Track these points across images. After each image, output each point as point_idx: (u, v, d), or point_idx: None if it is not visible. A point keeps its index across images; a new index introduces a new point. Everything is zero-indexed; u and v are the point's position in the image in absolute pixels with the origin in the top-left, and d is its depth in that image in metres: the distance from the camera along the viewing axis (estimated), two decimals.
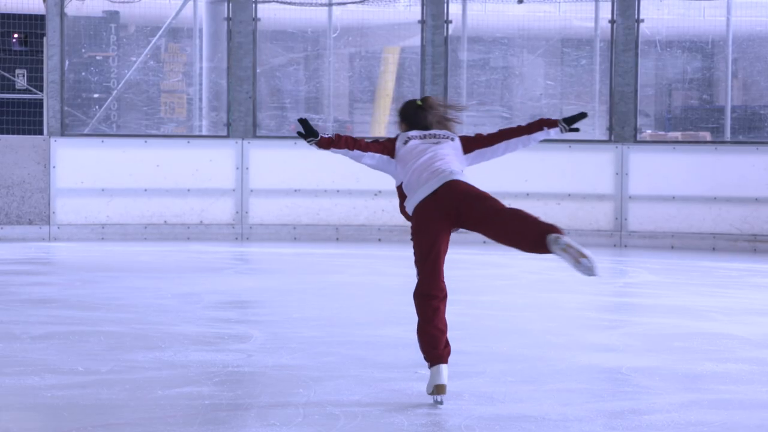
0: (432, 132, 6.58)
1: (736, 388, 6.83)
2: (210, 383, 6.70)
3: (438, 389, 6.26)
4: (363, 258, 13.82)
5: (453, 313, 9.39)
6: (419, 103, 6.68)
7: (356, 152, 6.50)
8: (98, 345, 7.87)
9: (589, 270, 5.85)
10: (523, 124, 6.71)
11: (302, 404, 6.23)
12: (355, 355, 7.65)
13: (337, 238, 15.63)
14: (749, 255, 14.67)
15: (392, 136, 6.68)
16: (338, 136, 6.52)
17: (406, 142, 6.52)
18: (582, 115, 6.52)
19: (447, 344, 6.33)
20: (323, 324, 8.89)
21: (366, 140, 6.60)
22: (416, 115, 6.65)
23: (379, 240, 15.45)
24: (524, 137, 6.61)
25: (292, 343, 8.03)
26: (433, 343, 6.29)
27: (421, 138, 6.53)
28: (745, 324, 9.18)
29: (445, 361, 6.31)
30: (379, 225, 15.53)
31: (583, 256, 5.81)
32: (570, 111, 16.42)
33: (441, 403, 6.23)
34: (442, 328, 6.31)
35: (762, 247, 14.94)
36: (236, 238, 15.56)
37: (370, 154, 6.50)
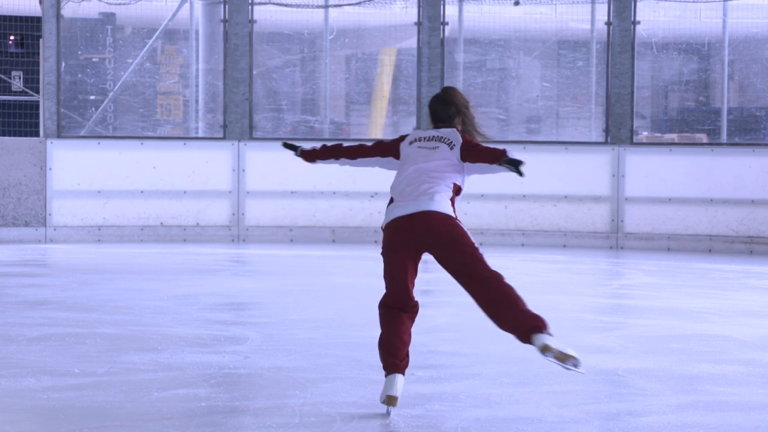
0: (437, 134, 6.26)
1: (732, 389, 6.84)
2: (206, 385, 6.70)
3: (390, 400, 6.07)
4: (359, 260, 13.82)
5: (449, 315, 9.42)
6: (441, 93, 6.41)
7: (344, 160, 6.44)
8: (94, 347, 7.86)
9: (575, 367, 5.76)
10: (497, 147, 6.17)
11: (298, 406, 6.22)
12: (352, 356, 7.65)
13: (334, 240, 15.63)
14: (745, 257, 14.68)
15: (396, 136, 6.53)
16: (324, 147, 6.47)
17: (411, 143, 6.30)
18: (518, 163, 5.94)
19: (407, 356, 6.14)
20: (319, 326, 8.89)
21: (363, 144, 6.48)
22: (433, 105, 6.39)
23: (376, 242, 15.45)
24: (486, 167, 6.15)
25: (288, 344, 8.03)
26: (394, 352, 6.09)
27: (425, 140, 6.26)
28: (742, 326, 9.19)
29: (402, 373, 6.11)
30: (375, 227, 15.52)
31: (568, 357, 5.74)
32: (566, 113, 16.43)
33: (389, 414, 6.07)
34: (406, 341, 6.13)
35: (758, 248, 14.95)
36: (233, 240, 15.56)
37: (361, 160, 6.42)
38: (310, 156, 6.51)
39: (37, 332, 8.37)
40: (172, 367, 7.21)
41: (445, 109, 6.35)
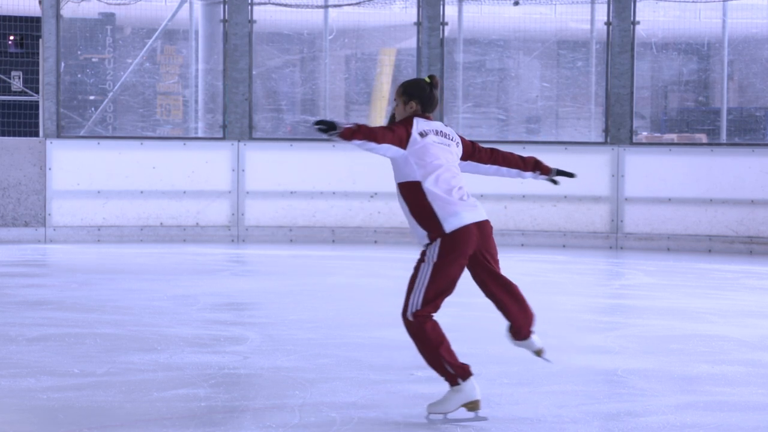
0: (443, 129, 6.15)
1: (731, 390, 6.84)
2: (206, 385, 6.70)
3: (475, 405, 6.00)
4: (359, 260, 13.82)
5: (449, 315, 9.39)
6: (428, 80, 6.20)
7: (372, 144, 5.91)
8: (94, 347, 7.87)
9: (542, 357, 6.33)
10: (521, 154, 6.55)
11: (298, 406, 6.23)
12: (351, 356, 7.65)
13: (333, 240, 15.63)
14: (745, 257, 14.68)
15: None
16: (358, 126, 5.88)
17: (423, 135, 6.04)
18: (571, 175, 6.57)
19: None
20: (319, 326, 8.89)
21: (380, 127, 6.06)
22: (430, 93, 6.16)
23: (375, 242, 15.45)
24: (515, 172, 6.50)
25: (287, 345, 8.03)
26: (456, 357, 6.04)
27: (435, 134, 6.09)
28: (741, 326, 9.19)
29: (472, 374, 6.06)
30: (375, 227, 15.52)
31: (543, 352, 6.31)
32: (565, 114, 16.43)
33: (485, 419, 6.02)
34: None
35: (758, 249, 14.95)
36: (232, 240, 15.56)
37: (385, 146, 5.95)
38: (349, 135, 5.84)
39: (37, 332, 8.37)
40: (172, 367, 7.21)
41: (437, 98, 6.27)
